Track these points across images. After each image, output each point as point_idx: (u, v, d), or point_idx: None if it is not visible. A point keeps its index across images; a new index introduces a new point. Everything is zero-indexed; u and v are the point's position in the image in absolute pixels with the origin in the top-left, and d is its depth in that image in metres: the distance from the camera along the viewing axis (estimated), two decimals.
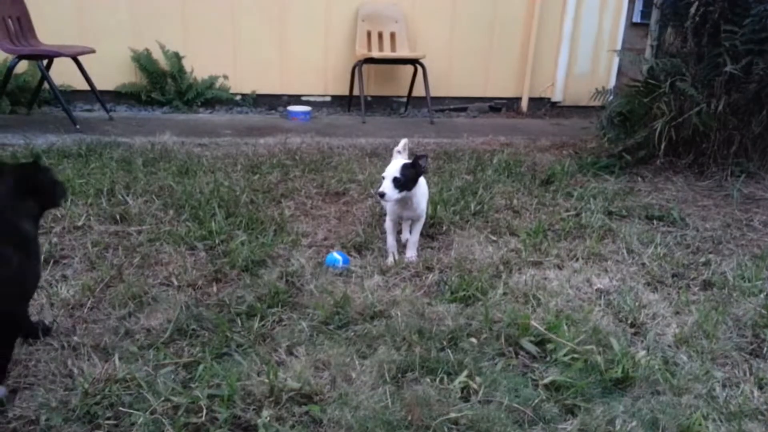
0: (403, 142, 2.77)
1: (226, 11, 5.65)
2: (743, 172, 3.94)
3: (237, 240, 2.69)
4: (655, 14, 4.63)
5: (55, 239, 2.69)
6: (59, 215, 2.91)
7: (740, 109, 3.94)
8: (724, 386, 1.84)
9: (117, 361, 1.82)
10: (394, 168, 2.48)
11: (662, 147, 4.09)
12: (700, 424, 1.61)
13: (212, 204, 3.07)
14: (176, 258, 2.58)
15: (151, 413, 1.61)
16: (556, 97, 6.73)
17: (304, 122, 5.47)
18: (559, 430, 1.62)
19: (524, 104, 6.60)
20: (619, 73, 6.77)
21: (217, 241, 2.72)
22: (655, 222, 3.30)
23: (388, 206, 2.69)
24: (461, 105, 6.49)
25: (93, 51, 4.84)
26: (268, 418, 1.57)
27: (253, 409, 1.64)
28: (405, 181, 2.44)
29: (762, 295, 2.42)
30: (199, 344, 1.96)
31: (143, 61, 5.54)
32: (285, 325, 2.11)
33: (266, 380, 1.71)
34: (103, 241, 2.70)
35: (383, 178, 2.49)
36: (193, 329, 2.06)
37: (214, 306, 2.22)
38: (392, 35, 5.95)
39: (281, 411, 1.64)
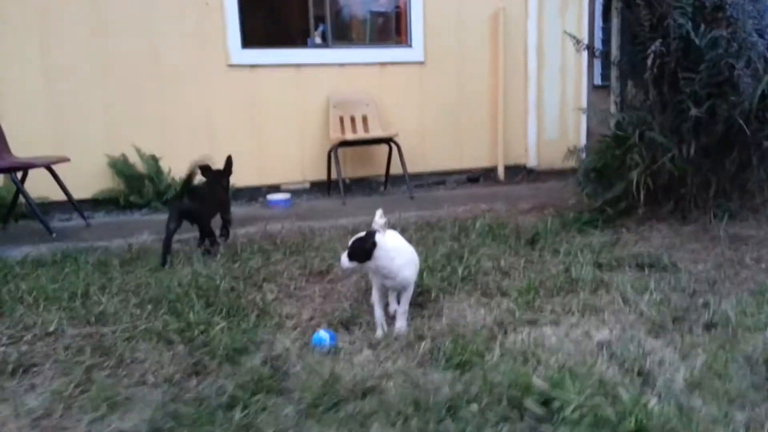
0: (378, 213, 2.72)
1: (201, 110, 5.76)
2: (725, 212, 3.93)
3: (217, 328, 2.56)
4: (614, 71, 4.78)
5: (24, 347, 2.54)
6: (31, 323, 2.77)
7: (712, 152, 4.00)
8: (747, 428, 1.70)
9: None
10: (351, 241, 2.52)
11: (642, 197, 4.10)
12: None
13: (190, 295, 2.95)
14: (153, 355, 2.43)
15: None
16: (531, 162, 6.83)
17: (284, 209, 5.45)
18: None
19: (501, 172, 6.67)
20: (589, 134, 6.92)
21: (196, 333, 2.59)
22: (646, 269, 3.23)
23: (371, 277, 2.63)
24: (439, 179, 6.55)
25: (67, 159, 4.85)
26: None
27: None
28: (354, 253, 2.47)
29: None
30: None
31: (120, 166, 5.55)
32: (270, 411, 1.95)
33: None
34: (76, 344, 2.56)
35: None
36: (169, 428, 1.90)
37: (193, 401, 2.07)
38: (364, 118, 6.07)
39: None
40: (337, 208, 5.41)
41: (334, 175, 5.90)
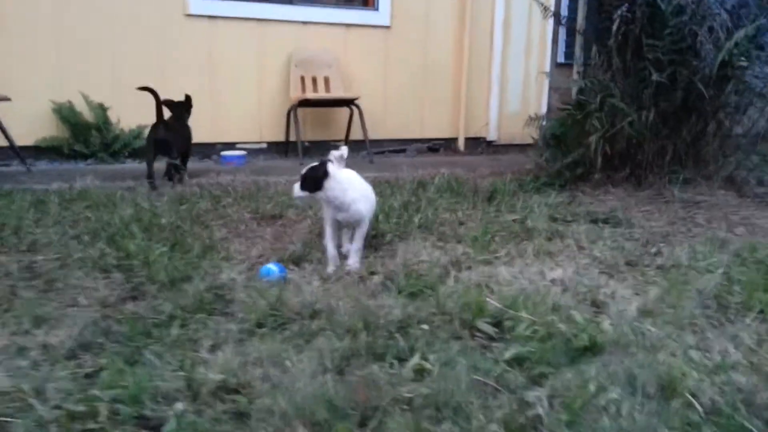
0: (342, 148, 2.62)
1: (154, 61, 5.51)
2: (679, 179, 3.97)
3: (156, 253, 2.42)
4: (579, 40, 4.78)
5: None
6: None
7: (670, 119, 4.03)
8: (698, 348, 1.68)
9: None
10: (304, 169, 2.46)
11: (599, 162, 4.11)
12: (683, 375, 1.44)
13: (132, 228, 2.80)
14: (87, 282, 2.28)
15: (37, 422, 1.31)
16: (491, 136, 6.81)
17: (239, 166, 5.28)
18: (527, 397, 1.41)
19: (461, 144, 6.64)
20: (549, 110, 6.94)
21: (135, 263, 2.44)
22: (600, 224, 3.22)
23: (324, 211, 2.54)
24: (399, 147, 6.46)
25: (8, 99, 4.57)
26: (182, 410, 1.29)
27: (165, 407, 1.36)
28: (305, 181, 2.42)
29: (719, 272, 2.32)
30: (106, 356, 1.67)
31: (65, 113, 5.26)
32: (210, 328, 1.84)
33: (181, 374, 1.44)
34: (3, 270, 2.38)
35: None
36: (99, 343, 1.77)
37: (127, 320, 1.93)
38: (326, 79, 5.93)
39: (200, 406, 1.37)
40: (295, 168, 5.20)
41: (292, 137, 5.75)
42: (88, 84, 5.33)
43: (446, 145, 6.68)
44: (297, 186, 2.44)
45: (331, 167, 2.42)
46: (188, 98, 4.59)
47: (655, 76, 3.81)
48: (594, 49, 4.30)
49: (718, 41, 3.78)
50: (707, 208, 3.56)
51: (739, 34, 3.59)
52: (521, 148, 6.33)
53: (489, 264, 2.51)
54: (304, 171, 2.45)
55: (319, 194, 2.42)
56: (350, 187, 2.48)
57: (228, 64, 5.73)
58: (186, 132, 4.51)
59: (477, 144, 6.76)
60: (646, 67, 3.96)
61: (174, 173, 4.33)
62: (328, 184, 2.40)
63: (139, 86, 4.19)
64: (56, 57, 5.23)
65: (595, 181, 4.19)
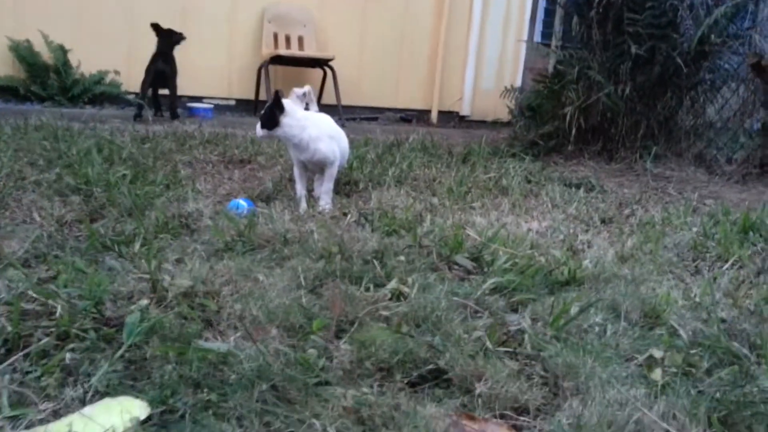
0: (306, 88, 2.55)
1: (122, 5, 5.26)
2: (650, 154, 4.00)
3: (119, 174, 2.28)
4: (559, 12, 4.76)
5: None
6: None
7: (646, 94, 4.05)
8: (677, 288, 1.67)
9: None
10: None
11: (572, 134, 4.12)
12: (667, 304, 1.41)
13: (92, 156, 2.64)
14: (43, 204, 2.13)
15: None
16: (465, 111, 6.78)
17: (206, 119, 5.10)
18: (508, 321, 1.36)
19: (434, 116, 6.59)
20: (523, 90, 6.94)
21: (95, 189, 2.30)
22: (573, 188, 3.21)
23: (290, 153, 2.48)
24: (372, 114, 6.37)
25: None
26: (147, 304, 1.20)
27: (128, 309, 1.26)
28: (263, 119, 2.36)
29: (694, 229, 2.33)
30: (62, 264, 1.55)
31: (22, 52, 4.99)
32: (175, 247, 1.74)
33: (146, 276, 1.34)
34: None
35: None
36: (55, 255, 1.65)
37: (86, 238, 1.81)
38: (300, 39, 5.78)
39: (166, 310, 1.28)
40: None
41: (262, 95, 5.59)
42: (48, 23, 5.07)
43: (419, 116, 6.62)
44: (258, 125, 2.38)
45: (287, 103, 2.35)
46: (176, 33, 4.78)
47: (634, 49, 3.81)
48: (574, 20, 4.28)
49: (697, 18, 3.81)
50: (677, 181, 3.60)
51: (719, 11, 3.61)
52: (493, 125, 6.32)
53: (464, 212, 2.47)
54: (264, 107, 2.39)
55: (278, 131, 2.35)
56: (310, 125, 2.40)
57: (198, 15, 5.54)
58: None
59: (450, 118, 6.72)
60: (625, 41, 3.97)
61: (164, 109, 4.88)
62: (285, 120, 2.33)
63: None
64: None
65: (569, 153, 4.20)
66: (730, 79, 4.04)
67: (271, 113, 2.34)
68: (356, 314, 1.32)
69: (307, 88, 2.45)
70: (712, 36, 3.72)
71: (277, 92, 2.40)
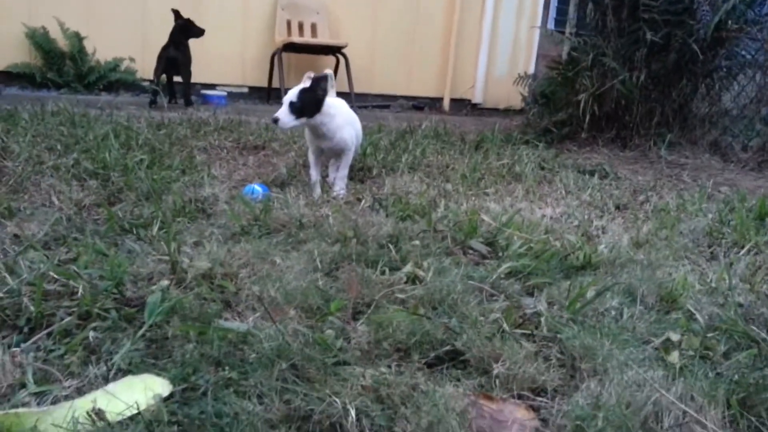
0: (328, 72, 2.51)
1: None
2: (665, 142, 3.96)
3: (136, 159, 2.30)
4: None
5: None
6: None
7: (661, 81, 4.01)
8: (692, 272, 1.66)
9: None
10: (292, 93, 2.21)
11: (586, 121, 4.09)
12: (683, 288, 1.41)
13: (109, 140, 2.67)
14: (61, 187, 2.15)
15: (10, 293, 1.22)
16: (477, 98, 6.74)
17: (220, 106, 5.11)
18: (524, 304, 1.37)
19: (446, 104, 6.56)
20: (536, 77, 6.90)
21: (112, 173, 2.32)
22: (587, 175, 3.19)
23: (307, 139, 2.43)
24: (384, 102, 6.35)
25: None
26: (167, 285, 1.22)
27: (148, 289, 1.28)
28: (302, 106, 2.18)
29: (710, 216, 2.31)
30: (82, 246, 1.57)
31: (38, 39, 5.02)
32: (193, 231, 1.76)
33: (166, 258, 1.36)
34: None
35: (281, 104, 2.21)
36: (74, 238, 1.67)
37: (104, 222, 1.83)
38: (313, 26, 5.77)
39: (185, 290, 1.30)
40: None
41: (275, 83, 5.59)
42: (64, 11, 5.10)
43: (431, 104, 6.60)
44: (285, 112, 2.18)
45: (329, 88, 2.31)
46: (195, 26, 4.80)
47: (649, 35, 3.77)
48: (589, 7, 4.24)
49: (714, 4, 3.76)
50: (692, 168, 3.57)
51: None
52: (506, 113, 6.29)
53: (478, 198, 2.46)
54: (293, 97, 2.20)
55: (317, 118, 2.23)
56: (337, 112, 2.37)
57: (212, 3, 5.52)
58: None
59: (462, 105, 6.69)
60: (640, 27, 3.92)
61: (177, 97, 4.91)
62: (324, 108, 2.27)
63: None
64: None
65: (582, 140, 4.17)
66: (747, 66, 3.98)
67: (316, 99, 2.21)
68: (372, 297, 1.33)
69: (328, 71, 2.42)
70: (730, 22, 3.67)
71: (325, 75, 2.24)
